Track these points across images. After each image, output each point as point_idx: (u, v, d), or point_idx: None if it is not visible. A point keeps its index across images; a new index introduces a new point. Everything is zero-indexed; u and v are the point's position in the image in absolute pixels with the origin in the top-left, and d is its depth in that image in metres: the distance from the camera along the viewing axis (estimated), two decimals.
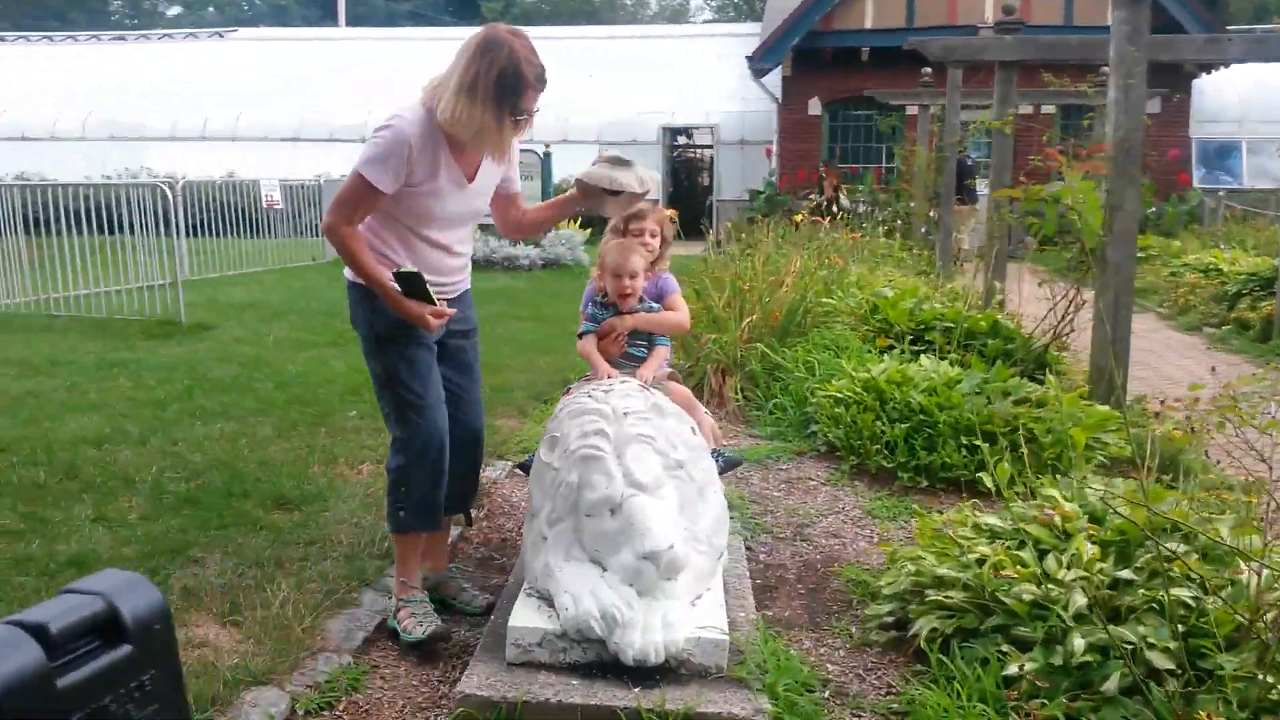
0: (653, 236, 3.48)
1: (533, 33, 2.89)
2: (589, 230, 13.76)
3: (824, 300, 6.85)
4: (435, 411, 2.91)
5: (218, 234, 12.80)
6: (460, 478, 3.13)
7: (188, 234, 12.15)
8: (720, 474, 3.32)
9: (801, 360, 5.72)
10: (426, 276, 2.77)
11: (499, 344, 7.34)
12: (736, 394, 5.66)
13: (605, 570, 2.67)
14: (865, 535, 3.98)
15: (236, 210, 13.23)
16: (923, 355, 5.59)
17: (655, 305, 3.40)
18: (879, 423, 4.74)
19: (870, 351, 5.95)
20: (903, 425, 4.65)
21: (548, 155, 12.91)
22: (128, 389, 5.85)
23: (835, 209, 14.98)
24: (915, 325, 6.38)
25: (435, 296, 2.76)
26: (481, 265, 12.52)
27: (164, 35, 30.11)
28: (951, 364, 5.41)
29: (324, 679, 2.68)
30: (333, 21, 35.91)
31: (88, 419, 5.13)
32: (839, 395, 5.07)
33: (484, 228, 13.12)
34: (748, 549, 3.77)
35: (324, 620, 2.96)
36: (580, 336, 3.39)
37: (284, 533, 3.60)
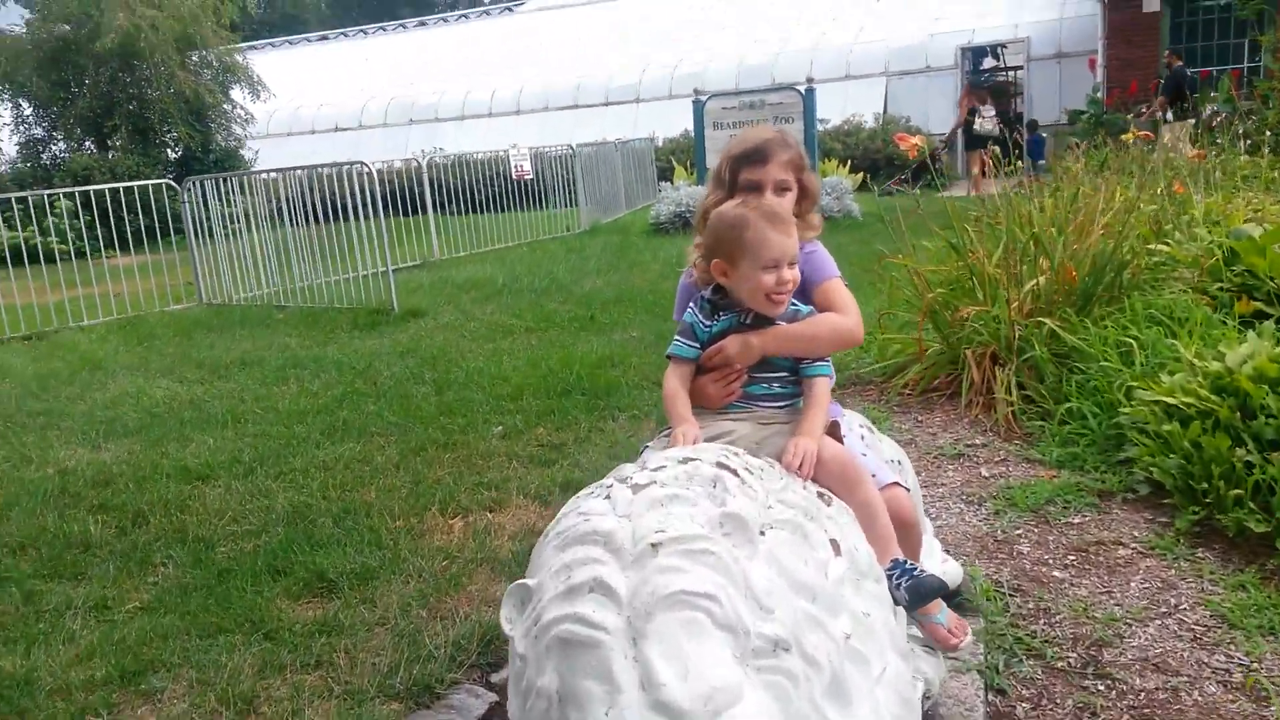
0: (781, 191, 2.00)
1: None
2: (860, 175, 11.81)
3: (1153, 247, 4.87)
4: None
5: (474, 210, 12.41)
6: None
7: (437, 211, 11.85)
8: (909, 607, 1.83)
9: (1112, 341, 3.90)
10: None
11: None
12: (1010, 393, 3.94)
13: None
14: (1217, 666, 2.30)
15: (489, 184, 12.77)
16: None
17: (802, 308, 1.93)
18: (1240, 449, 2.94)
19: (1225, 324, 4.00)
20: None
21: (810, 92, 11.13)
22: (288, 396, 5.19)
23: (969, 137, 12.64)
24: None
25: None
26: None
27: (460, 16, 31.15)
28: None
29: None
30: None
31: (215, 440, 4.46)
32: (1170, 400, 3.28)
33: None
34: (995, 695, 2.23)
35: None
36: (670, 360, 1.98)
37: (291, 642, 2.54)
